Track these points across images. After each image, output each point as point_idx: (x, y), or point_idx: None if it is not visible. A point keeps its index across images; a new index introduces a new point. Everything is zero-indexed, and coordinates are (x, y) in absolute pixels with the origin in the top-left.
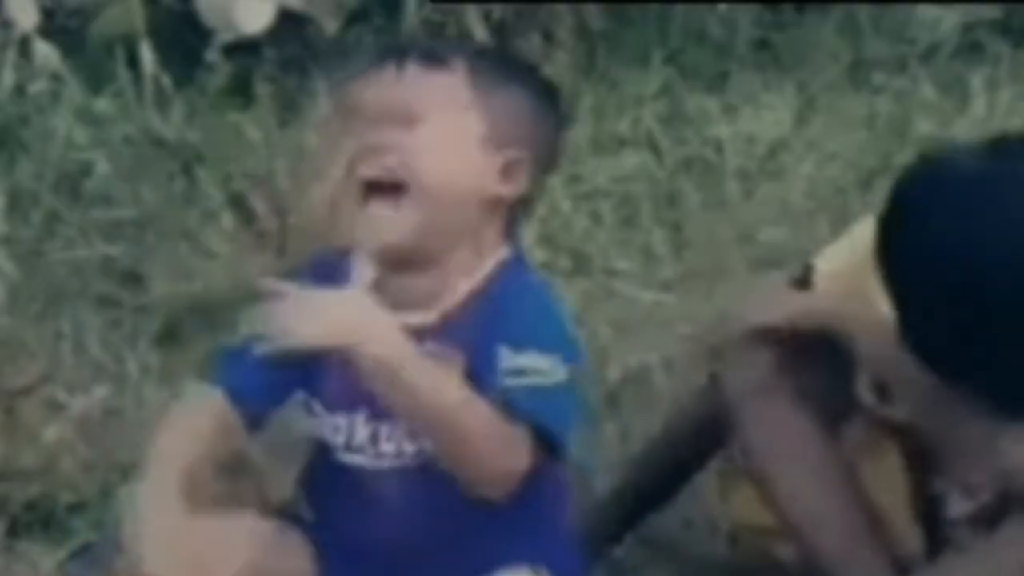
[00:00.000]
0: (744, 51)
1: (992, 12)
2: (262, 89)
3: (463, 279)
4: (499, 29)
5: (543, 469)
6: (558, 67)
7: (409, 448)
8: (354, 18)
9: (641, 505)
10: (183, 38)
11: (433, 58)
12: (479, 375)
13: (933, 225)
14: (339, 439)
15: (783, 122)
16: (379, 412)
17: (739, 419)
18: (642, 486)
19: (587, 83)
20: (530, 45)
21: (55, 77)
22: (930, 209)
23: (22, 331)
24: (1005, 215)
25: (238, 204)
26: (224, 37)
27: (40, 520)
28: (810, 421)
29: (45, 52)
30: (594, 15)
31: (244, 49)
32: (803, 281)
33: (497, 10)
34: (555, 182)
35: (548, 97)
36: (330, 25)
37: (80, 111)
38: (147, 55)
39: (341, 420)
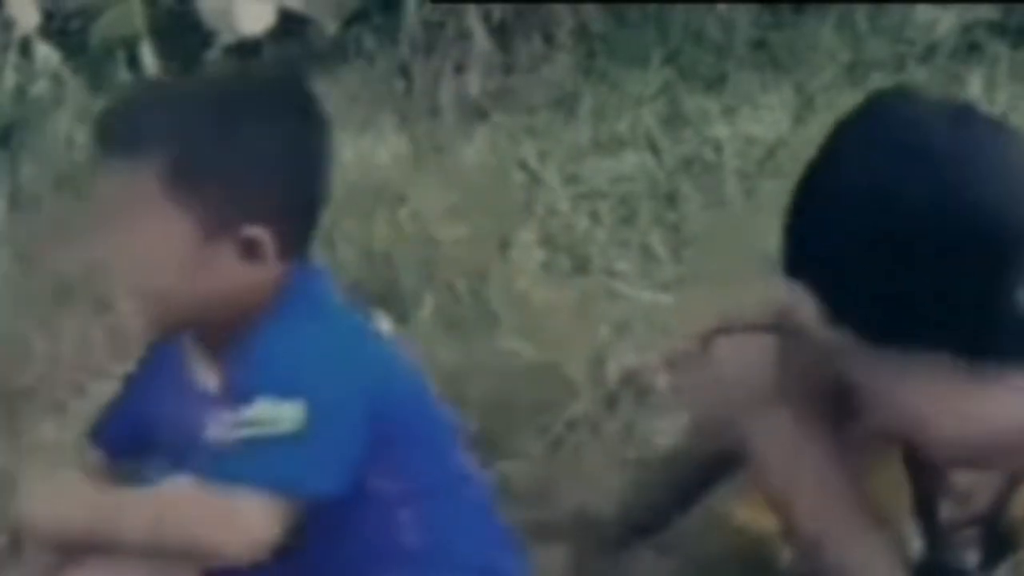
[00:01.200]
0: (743, 51)
1: (990, 12)
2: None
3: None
4: (499, 30)
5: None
6: (558, 68)
7: None
8: (354, 18)
9: (641, 530)
10: (183, 39)
11: (127, 146)
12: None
13: (866, 161)
14: None
15: (782, 122)
16: None
17: (746, 432)
18: (643, 516)
19: (587, 83)
20: (530, 46)
21: (56, 78)
22: (867, 145)
23: (24, 331)
24: (936, 165)
25: None
26: (225, 39)
27: None
28: (816, 430)
29: (46, 53)
30: (594, 16)
31: (245, 50)
32: None
33: (497, 11)
34: (555, 182)
35: (293, 140)
36: (330, 26)
37: (81, 112)
38: (148, 56)
39: None
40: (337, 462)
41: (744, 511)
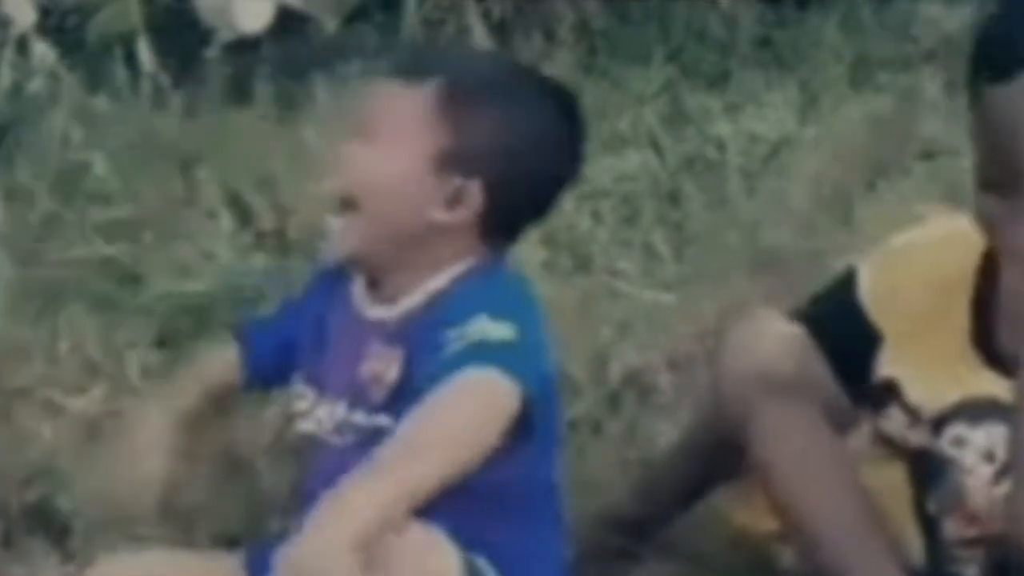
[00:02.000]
0: (746, 49)
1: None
2: (261, 88)
3: (421, 284)
4: (499, 27)
5: (511, 452)
6: (559, 65)
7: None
8: (354, 16)
9: (642, 528)
10: (181, 37)
11: (411, 72)
12: (421, 361)
13: None
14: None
15: (785, 121)
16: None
17: (751, 429)
18: (644, 512)
19: (588, 81)
20: (531, 43)
21: (53, 76)
22: None
23: (21, 331)
24: None
25: (237, 204)
26: (223, 36)
27: (39, 521)
28: (823, 431)
29: (43, 51)
30: (595, 13)
31: (243, 48)
32: (847, 279)
33: (497, 8)
34: None
35: (542, 117)
36: (330, 24)
37: (78, 110)
38: (145, 54)
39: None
40: (541, 376)
41: (744, 512)
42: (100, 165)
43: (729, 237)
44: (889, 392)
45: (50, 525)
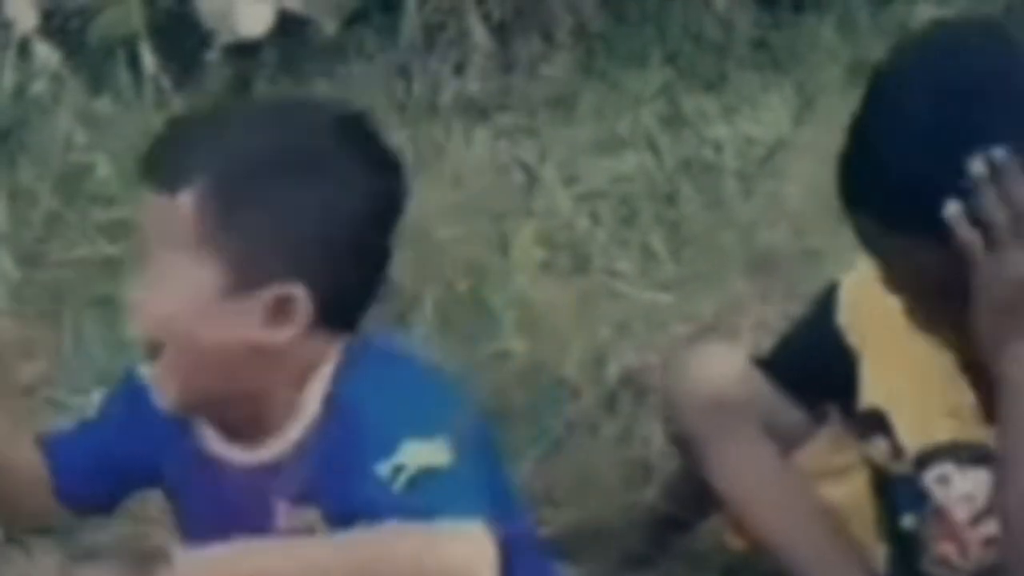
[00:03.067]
0: (743, 52)
1: (992, 10)
2: (262, 90)
3: (289, 415)
4: (499, 30)
5: None
6: (557, 67)
7: None
8: (353, 18)
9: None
10: (183, 39)
11: (167, 178)
12: (358, 503)
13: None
14: None
15: (782, 122)
16: None
17: (701, 443)
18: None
19: (586, 83)
20: (529, 45)
21: (55, 78)
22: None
23: (22, 331)
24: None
25: None
26: (224, 39)
27: None
28: (772, 446)
29: (45, 53)
30: (593, 16)
31: (244, 50)
32: (828, 294)
33: (497, 11)
34: (554, 182)
35: (346, 171)
36: (330, 26)
37: (80, 112)
38: (147, 56)
39: None
40: (482, 492)
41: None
42: (102, 166)
43: (726, 238)
44: (876, 423)
45: (50, 526)
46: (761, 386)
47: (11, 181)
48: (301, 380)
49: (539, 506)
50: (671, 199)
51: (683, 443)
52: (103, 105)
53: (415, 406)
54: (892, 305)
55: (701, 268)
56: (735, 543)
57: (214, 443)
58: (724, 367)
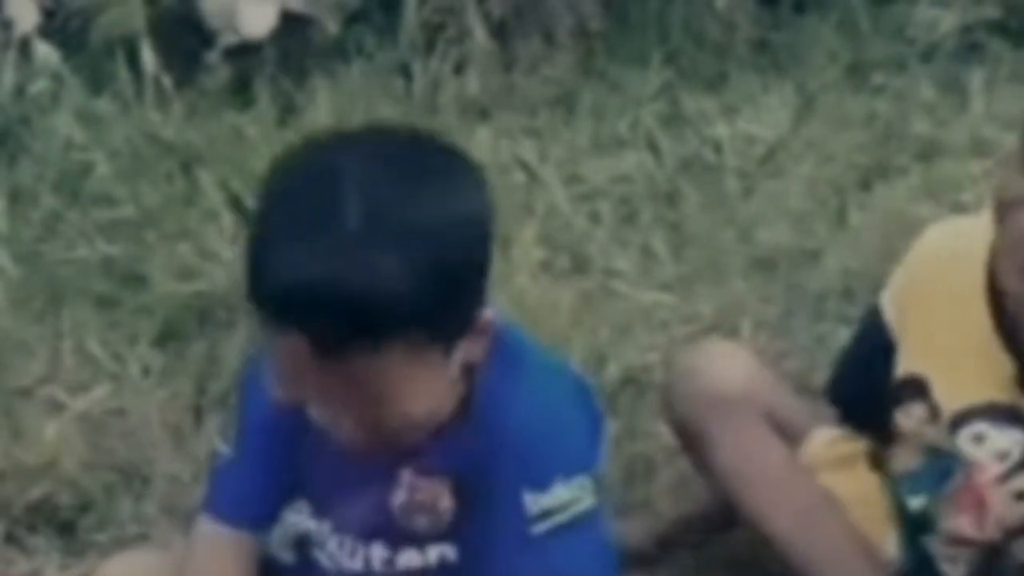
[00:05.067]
0: (743, 52)
1: (992, 12)
2: (262, 89)
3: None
4: (499, 29)
5: None
6: (558, 67)
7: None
8: (354, 18)
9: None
10: (184, 39)
11: (375, 344)
12: (502, 516)
13: None
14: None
15: (782, 122)
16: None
17: (706, 438)
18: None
19: (586, 83)
20: (530, 45)
21: (55, 77)
22: None
23: (22, 331)
24: None
25: (238, 204)
26: (227, 40)
27: (41, 520)
28: (776, 447)
29: (45, 52)
30: (594, 16)
31: (245, 50)
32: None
33: (497, 10)
34: (555, 182)
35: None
36: (331, 26)
37: (80, 111)
38: (148, 56)
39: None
40: (609, 545)
41: None
42: (102, 166)
43: (726, 237)
44: (914, 389)
45: (52, 523)
46: (765, 383)
47: (11, 181)
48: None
49: None
50: (671, 199)
51: (687, 437)
52: (103, 104)
53: (570, 433)
54: (949, 276)
55: (701, 268)
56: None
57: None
58: (728, 362)
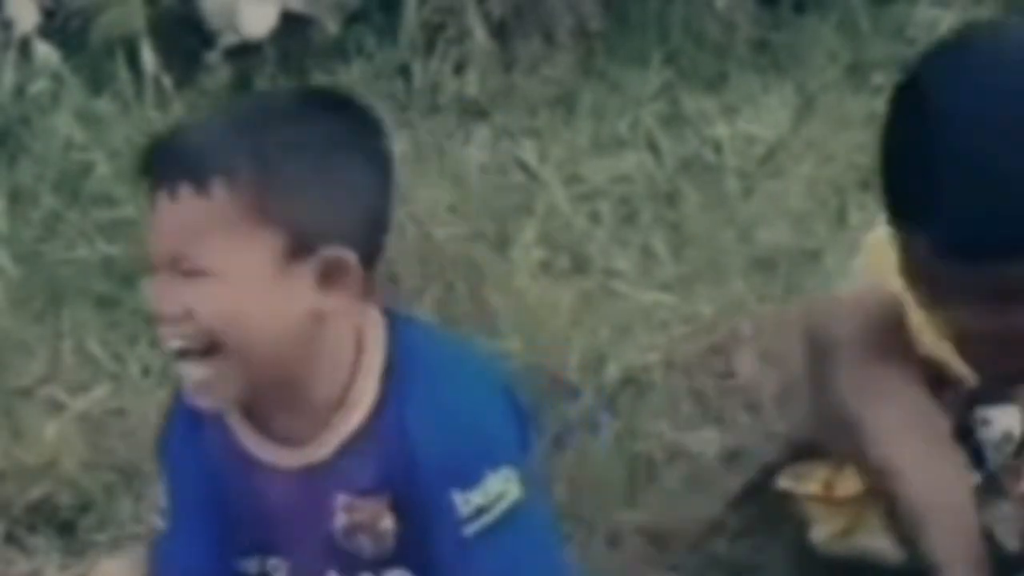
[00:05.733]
0: (743, 52)
1: (992, 12)
2: (262, 89)
3: (343, 405)
4: (499, 29)
5: None
6: (558, 67)
7: None
8: (354, 18)
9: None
10: (184, 39)
11: (201, 180)
12: (438, 523)
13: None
14: None
15: (782, 122)
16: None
17: (836, 363)
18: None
19: (586, 83)
20: (530, 45)
21: (55, 77)
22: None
23: (22, 331)
24: None
25: None
26: (227, 40)
27: (41, 520)
28: (911, 373)
29: (45, 52)
30: (594, 16)
31: (245, 50)
32: None
33: (497, 10)
34: (555, 182)
35: (372, 158)
36: (332, 26)
37: (80, 111)
38: (148, 56)
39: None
40: (552, 536)
41: (788, 477)
42: (102, 166)
43: (726, 237)
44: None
45: (52, 523)
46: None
47: (11, 181)
48: (350, 364)
49: None
50: (671, 199)
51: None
52: (103, 104)
53: (490, 426)
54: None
55: (701, 268)
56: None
57: (261, 450)
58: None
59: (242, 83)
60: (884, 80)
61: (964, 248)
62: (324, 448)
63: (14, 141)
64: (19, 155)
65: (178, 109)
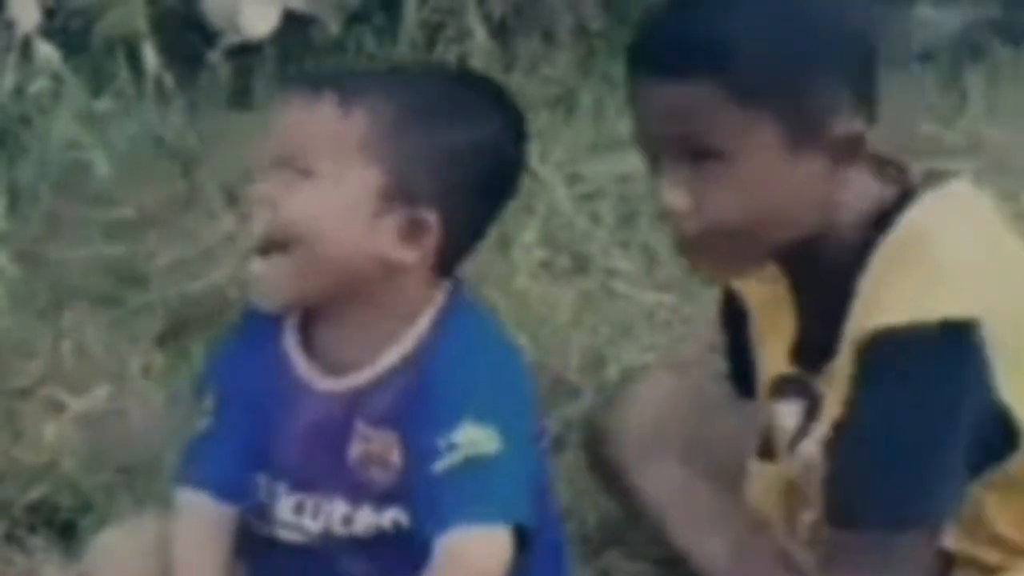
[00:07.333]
0: None
1: (992, 12)
2: (263, 89)
3: (390, 343)
4: (499, 29)
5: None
6: (558, 66)
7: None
8: (354, 18)
9: None
10: (185, 39)
11: (335, 94)
12: (416, 457)
13: None
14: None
15: None
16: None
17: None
18: None
19: (587, 83)
20: (530, 44)
21: (56, 77)
22: None
23: (22, 331)
24: None
25: (238, 204)
26: (228, 39)
27: (41, 520)
28: (699, 476)
29: (46, 52)
30: (594, 15)
31: (246, 50)
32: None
33: (497, 10)
34: (555, 182)
35: (490, 131)
36: (333, 26)
37: (81, 111)
38: (149, 55)
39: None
40: (522, 487)
41: None
42: (103, 166)
43: None
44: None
45: (52, 523)
46: (685, 409)
47: (11, 181)
48: (407, 312)
49: None
50: None
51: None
52: (104, 104)
53: (487, 387)
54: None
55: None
56: None
57: (307, 372)
58: (666, 396)
59: (243, 83)
60: (883, 79)
61: (640, 55)
62: (362, 376)
63: (14, 141)
64: (19, 155)
65: (179, 109)
